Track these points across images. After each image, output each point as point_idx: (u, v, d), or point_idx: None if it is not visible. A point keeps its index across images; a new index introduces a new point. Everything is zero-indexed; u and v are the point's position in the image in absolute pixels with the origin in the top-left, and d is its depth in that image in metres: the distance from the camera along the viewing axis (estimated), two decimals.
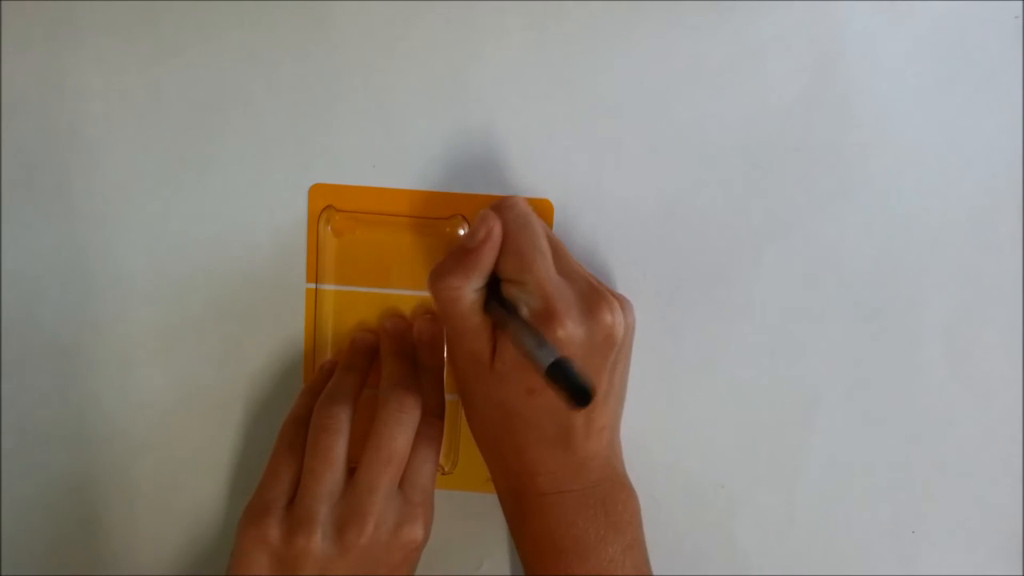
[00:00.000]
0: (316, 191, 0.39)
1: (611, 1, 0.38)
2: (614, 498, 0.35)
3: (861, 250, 0.39)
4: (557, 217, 0.39)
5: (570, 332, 0.32)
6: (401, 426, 0.34)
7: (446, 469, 0.40)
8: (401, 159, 0.39)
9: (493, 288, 0.34)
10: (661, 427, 0.39)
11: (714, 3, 0.38)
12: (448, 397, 0.39)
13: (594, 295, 0.33)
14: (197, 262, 0.39)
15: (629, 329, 0.35)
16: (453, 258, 0.34)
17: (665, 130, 0.38)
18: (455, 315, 0.34)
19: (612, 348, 0.34)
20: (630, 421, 0.38)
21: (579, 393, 0.28)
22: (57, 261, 0.39)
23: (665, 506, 0.40)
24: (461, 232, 0.39)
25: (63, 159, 0.39)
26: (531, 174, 0.39)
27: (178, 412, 0.40)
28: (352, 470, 0.34)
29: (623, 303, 0.35)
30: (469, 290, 0.33)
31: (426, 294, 0.39)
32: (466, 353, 0.34)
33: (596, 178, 0.39)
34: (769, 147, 0.38)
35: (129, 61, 0.39)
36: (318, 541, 0.33)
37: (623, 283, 0.39)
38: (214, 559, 0.41)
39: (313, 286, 0.39)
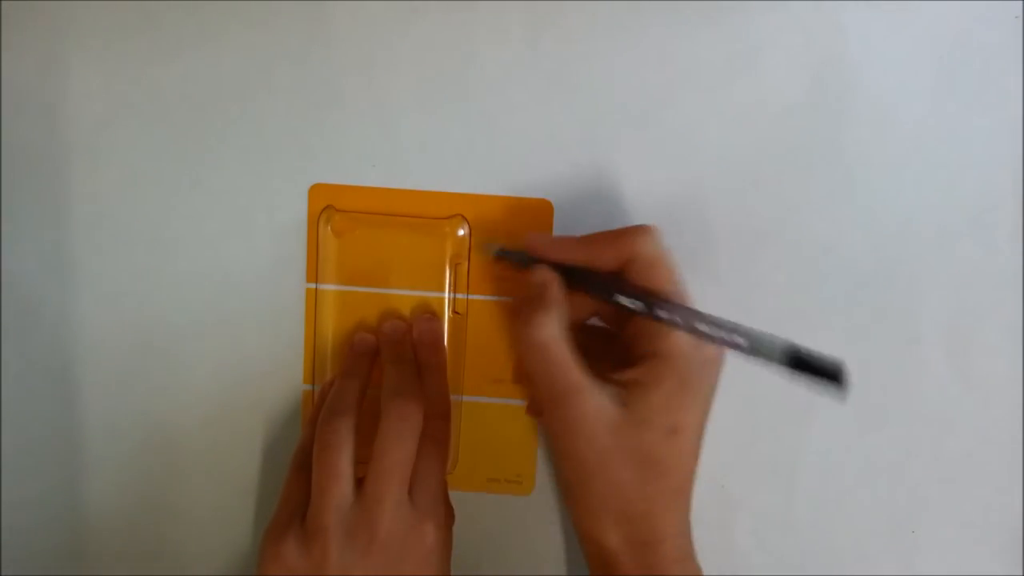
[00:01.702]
0: (316, 191, 0.39)
1: (611, 1, 0.38)
2: (689, 563, 0.35)
3: (861, 250, 0.39)
4: (557, 217, 0.39)
5: (720, 361, 0.33)
6: (402, 437, 0.35)
7: (447, 469, 0.40)
8: (401, 159, 0.39)
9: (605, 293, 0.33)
10: None
11: (714, 3, 0.38)
12: (451, 397, 0.39)
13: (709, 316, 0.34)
14: (197, 262, 0.39)
15: None
16: (528, 301, 0.33)
17: (665, 130, 0.38)
18: (557, 365, 0.32)
19: (721, 370, 0.34)
20: None
21: (833, 370, 0.26)
22: (57, 261, 0.39)
23: None
24: (460, 232, 0.39)
25: (63, 159, 0.39)
26: (531, 174, 0.39)
27: (178, 412, 0.40)
28: (361, 480, 0.35)
29: None
30: (558, 326, 0.32)
31: (426, 294, 0.39)
32: (584, 415, 0.32)
33: (596, 178, 0.39)
34: (769, 147, 0.38)
35: (129, 61, 0.39)
36: (333, 551, 0.33)
37: None
38: (214, 559, 0.41)
39: (313, 286, 0.39)
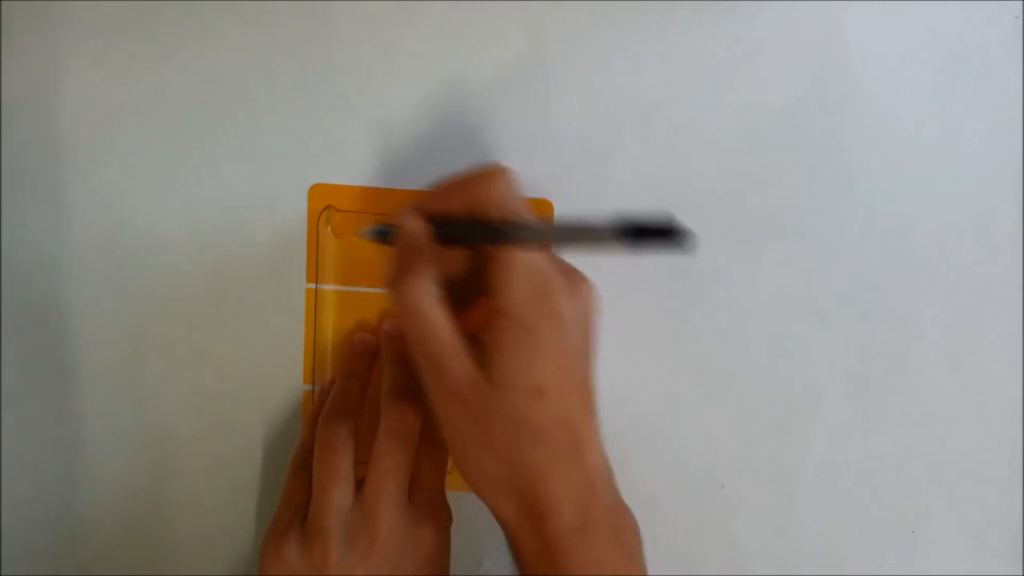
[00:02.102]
0: (316, 191, 0.39)
1: (611, 1, 0.38)
2: (623, 525, 0.33)
3: (861, 250, 0.39)
4: (557, 217, 0.39)
5: (567, 314, 0.30)
6: (401, 439, 0.35)
7: (447, 469, 0.40)
8: (401, 159, 0.39)
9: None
10: (661, 427, 0.39)
11: (714, 3, 0.38)
12: None
13: (571, 271, 0.32)
14: (197, 262, 0.39)
15: (599, 317, 0.33)
16: (398, 263, 0.32)
17: (665, 130, 0.38)
18: (429, 326, 0.31)
19: (590, 329, 0.32)
20: (630, 421, 0.38)
21: (669, 229, 0.24)
22: (57, 261, 0.39)
23: (665, 506, 0.40)
24: None
25: (63, 159, 0.39)
26: (531, 174, 0.39)
27: (177, 412, 0.40)
28: (361, 482, 0.35)
29: (594, 287, 0.33)
30: (431, 286, 0.31)
31: None
32: (451, 376, 0.31)
33: (596, 178, 0.39)
34: (769, 147, 0.38)
35: (129, 61, 0.39)
36: (333, 552, 0.33)
37: (623, 283, 0.39)
38: (214, 559, 0.41)
39: (313, 286, 0.39)
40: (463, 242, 0.33)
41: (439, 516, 0.36)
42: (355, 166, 0.39)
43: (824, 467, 0.40)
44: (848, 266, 0.39)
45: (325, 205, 0.39)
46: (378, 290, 0.39)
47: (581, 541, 0.31)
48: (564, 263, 0.33)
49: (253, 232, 0.39)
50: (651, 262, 0.39)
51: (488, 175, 0.32)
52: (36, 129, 0.39)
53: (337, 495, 0.34)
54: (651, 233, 0.25)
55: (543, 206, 0.39)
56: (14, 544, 0.41)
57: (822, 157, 0.38)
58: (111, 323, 0.40)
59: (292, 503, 0.36)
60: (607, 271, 0.39)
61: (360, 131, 0.39)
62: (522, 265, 0.30)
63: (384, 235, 0.35)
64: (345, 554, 0.33)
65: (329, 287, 0.39)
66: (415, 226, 0.32)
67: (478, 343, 0.31)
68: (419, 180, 0.39)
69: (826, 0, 0.38)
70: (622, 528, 0.32)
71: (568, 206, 0.39)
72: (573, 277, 0.32)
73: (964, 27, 0.38)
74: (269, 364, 0.40)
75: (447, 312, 0.31)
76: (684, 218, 0.38)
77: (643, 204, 0.39)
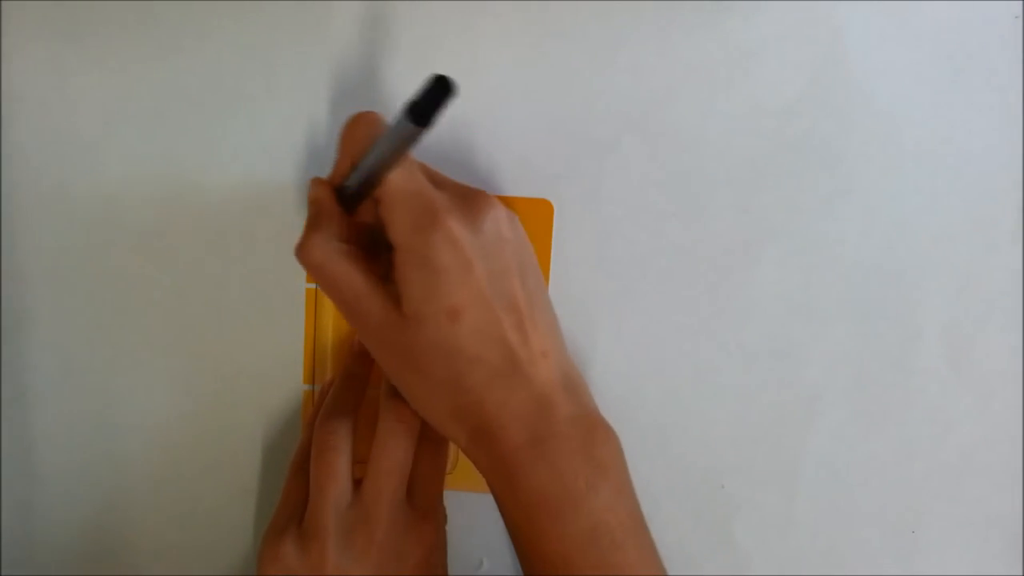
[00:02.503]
0: None
1: (611, 1, 0.38)
2: (593, 438, 0.32)
3: (861, 250, 0.39)
4: (557, 217, 0.39)
5: (457, 229, 0.30)
6: (399, 438, 0.35)
7: (447, 469, 0.40)
8: None
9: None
10: (661, 427, 0.39)
11: (714, 3, 0.38)
12: None
13: (467, 191, 0.32)
14: (197, 261, 0.39)
15: (523, 240, 0.33)
16: (305, 225, 0.33)
17: (665, 130, 0.38)
18: (337, 279, 0.31)
19: (506, 248, 0.32)
20: (630, 421, 0.38)
21: (438, 87, 0.26)
22: (57, 260, 0.39)
23: (665, 506, 0.40)
24: None
25: (63, 159, 0.39)
26: (531, 174, 0.39)
27: (177, 413, 0.40)
28: (359, 481, 0.35)
29: (510, 207, 0.33)
30: (332, 241, 0.32)
31: None
32: (374, 322, 0.31)
33: (596, 178, 0.39)
34: (769, 147, 0.38)
35: (129, 61, 0.39)
36: (331, 552, 0.33)
37: (623, 283, 0.39)
38: (214, 559, 0.41)
39: (313, 286, 0.39)
40: (357, 199, 0.33)
41: (437, 515, 0.36)
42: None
43: (824, 467, 0.40)
44: (848, 266, 0.39)
45: None
46: None
47: (535, 456, 0.31)
48: (462, 188, 0.33)
49: (253, 231, 0.39)
50: (653, 263, 0.39)
51: (346, 126, 0.33)
52: (36, 129, 0.39)
53: (334, 495, 0.34)
54: (431, 100, 0.26)
55: (543, 206, 0.39)
56: (14, 544, 0.41)
57: (822, 157, 0.38)
58: (111, 323, 0.40)
59: (290, 503, 0.36)
60: (608, 271, 0.39)
61: None
62: (399, 196, 0.31)
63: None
64: (342, 554, 0.33)
65: None
66: (316, 192, 0.33)
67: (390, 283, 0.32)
68: None
69: (826, 0, 0.38)
70: (589, 440, 0.32)
71: (568, 206, 0.39)
72: (471, 199, 0.32)
73: (964, 27, 0.38)
74: (269, 364, 0.40)
75: (353, 262, 0.32)
76: (684, 218, 0.39)
77: (643, 204, 0.39)
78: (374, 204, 0.32)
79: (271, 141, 0.39)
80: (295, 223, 0.39)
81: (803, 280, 0.39)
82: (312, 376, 0.40)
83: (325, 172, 0.39)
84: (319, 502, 0.34)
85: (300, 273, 0.39)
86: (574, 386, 0.33)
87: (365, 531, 0.34)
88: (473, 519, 0.40)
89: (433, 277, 0.30)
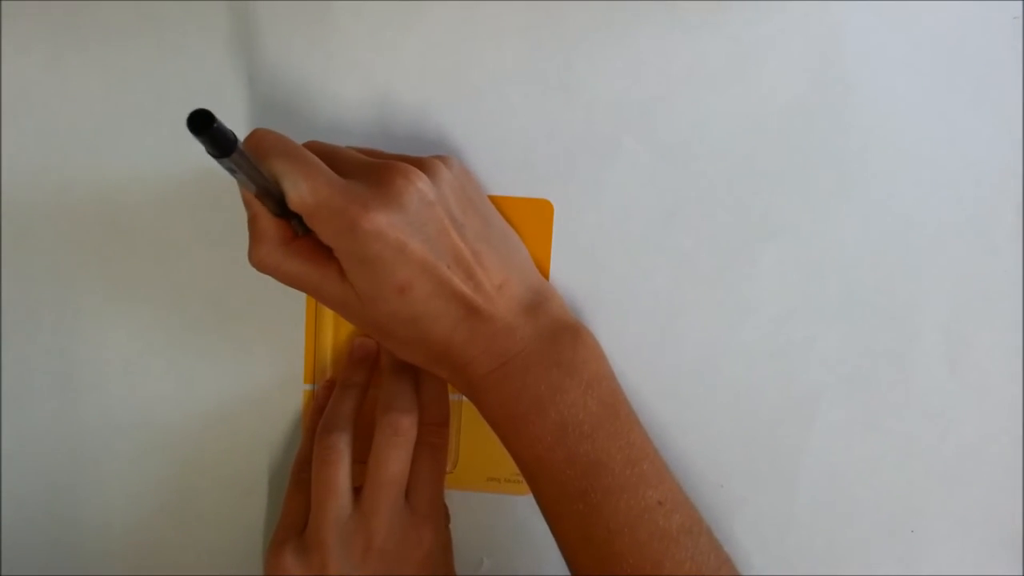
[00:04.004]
0: None
1: (611, 1, 0.38)
2: (559, 344, 0.34)
3: (861, 250, 0.39)
4: (557, 217, 0.39)
5: (377, 220, 0.30)
6: (396, 449, 0.35)
7: (447, 469, 0.40)
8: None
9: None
10: (661, 427, 0.39)
11: (714, 3, 0.38)
12: (452, 397, 0.39)
13: (379, 170, 0.32)
14: (198, 262, 0.39)
15: (453, 181, 0.34)
16: (249, 236, 0.34)
17: (665, 130, 0.38)
18: (295, 279, 0.33)
19: (434, 210, 0.32)
20: None
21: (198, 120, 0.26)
22: (57, 261, 0.39)
23: None
24: None
25: (63, 159, 0.39)
26: (531, 174, 0.39)
27: (178, 413, 0.40)
28: (358, 489, 0.36)
29: (429, 162, 0.33)
30: (276, 247, 0.33)
31: None
32: (340, 304, 0.33)
33: (596, 178, 0.39)
34: (769, 147, 0.38)
35: (130, 61, 0.39)
36: (332, 561, 0.34)
37: (623, 283, 0.39)
38: (215, 558, 0.41)
39: None
40: (278, 212, 0.33)
41: (437, 517, 0.36)
42: None
43: (824, 467, 0.40)
44: (848, 266, 0.39)
45: None
46: None
47: (500, 377, 0.34)
48: (371, 165, 0.33)
49: None
50: (653, 263, 0.39)
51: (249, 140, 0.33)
52: (36, 129, 0.39)
53: (334, 508, 0.35)
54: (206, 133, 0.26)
55: (543, 206, 0.39)
56: (14, 544, 0.41)
57: (822, 157, 0.38)
58: (111, 324, 0.40)
59: (292, 515, 0.36)
60: (608, 271, 0.39)
61: (360, 131, 0.39)
62: (308, 210, 0.31)
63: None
64: (343, 563, 0.34)
65: None
66: (246, 202, 0.34)
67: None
68: None
69: (826, 0, 0.38)
70: (554, 347, 0.34)
71: (568, 206, 0.39)
72: (382, 177, 0.32)
73: (964, 27, 0.38)
74: (270, 364, 0.40)
75: (300, 257, 0.33)
76: (684, 218, 0.39)
77: (643, 204, 0.39)
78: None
79: None
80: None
81: (803, 280, 0.39)
82: (313, 376, 0.40)
83: None
84: (320, 515, 0.35)
85: None
86: (538, 303, 0.35)
87: (364, 540, 0.34)
88: (473, 519, 0.40)
89: (370, 267, 0.32)
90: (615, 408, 0.34)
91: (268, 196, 0.32)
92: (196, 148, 0.39)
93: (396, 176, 0.31)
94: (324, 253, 0.33)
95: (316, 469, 0.35)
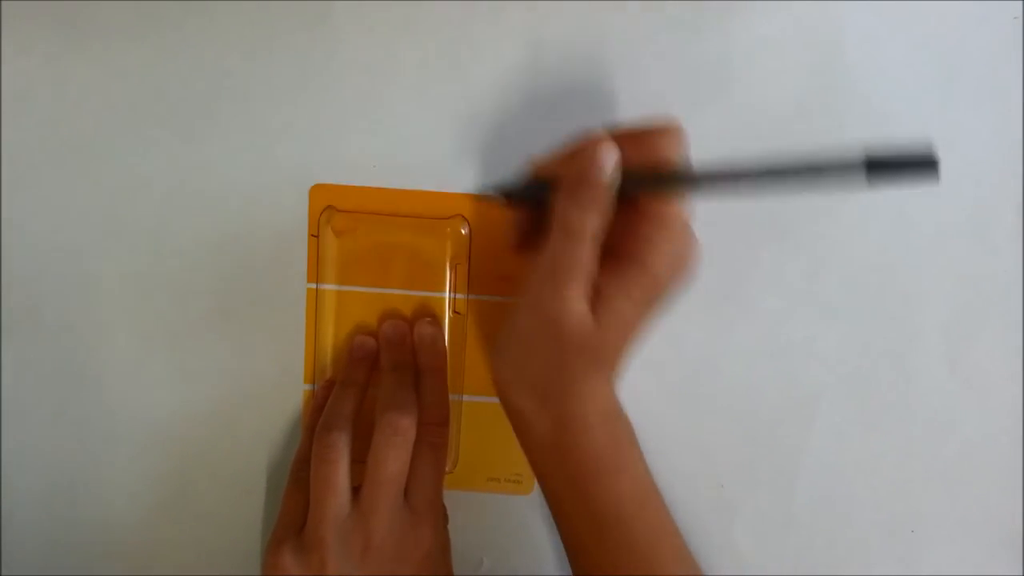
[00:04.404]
0: (316, 191, 0.39)
1: (611, 1, 0.38)
2: (623, 412, 0.34)
3: (861, 250, 0.39)
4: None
5: (692, 271, 0.32)
6: (395, 449, 0.35)
7: (447, 469, 0.40)
8: (401, 159, 0.39)
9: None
10: (661, 427, 0.39)
11: (714, 3, 0.38)
12: (451, 397, 0.39)
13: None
14: (198, 262, 0.39)
15: None
16: (586, 189, 0.31)
17: None
18: (576, 257, 0.31)
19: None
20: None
21: (920, 157, 0.23)
22: (58, 261, 0.39)
23: None
24: (463, 231, 0.39)
25: (63, 159, 0.39)
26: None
27: (179, 412, 0.40)
28: (357, 488, 0.35)
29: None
30: (600, 230, 0.31)
31: (426, 294, 0.39)
32: (561, 304, 0.31)
33: None
34: (769, 147, 0.38)
35: (130, 61, 0.39)
36: (330, 560, 0.34)
37: None
38: (216, 558, 0.41)
39: (314, 286, 0.39)
40: (630, 191, 0.31)
41: (436, 516, 0.36)
42: (355, 166, 0.39)
43: (824, 467, 0.40)
44: (848, 266, 0.39)
45: (325, 205, 0.39)
46: (378, 290, 0.39)
47: (603, 421, 0.33)
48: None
49: (254, 232, 0.39)
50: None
51: (666, 131, 0.32)
52: (36, 129, 0.39)
53: (333, 507, 0.35)
54: (900, 166, 0.24)
55: None
56: (14, 544, 0.41)
57: None
58: (112, 324, 0.40)
59: (290, 513, 0.36)
60: None
61: (360, 131, 0.39)
62: (681, 228, 0.32)
63: (524, 194, 0.34)
64: (342, 562, 0.34)
65: (329, 287, 0.39)
66: (613, 168, 0.31)
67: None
68: (419, 180, 0.39)
69: (826, 0, 0.38)
70: (622, 414, 0.34)
71: None
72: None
73: (964, 27, 0.38)
74: (269, 364, 0.40)
75: (595, 245, 0.31)
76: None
77: None
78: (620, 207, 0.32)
79: (272, 141, 0.39)
80: (296, 223, 0.39)
81: (803, 280, 0.39)
82: (312, 376, 0.40)
83: (323, 172, 0.39)
84: (319, 514, 0.35)
85: (301, 273, 0.39)
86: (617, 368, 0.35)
87: (363, 539, 0.34)
88: (473, 519, 0.40)
89: (652, 309, 0.32)
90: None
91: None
92: (196, 148, 0.39)
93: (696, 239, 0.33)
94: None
95: (315, 467, 0.35)
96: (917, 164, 0.24)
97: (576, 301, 0.31)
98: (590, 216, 0.31)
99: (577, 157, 0.32)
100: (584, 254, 0.31)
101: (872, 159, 0.24)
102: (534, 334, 0.32)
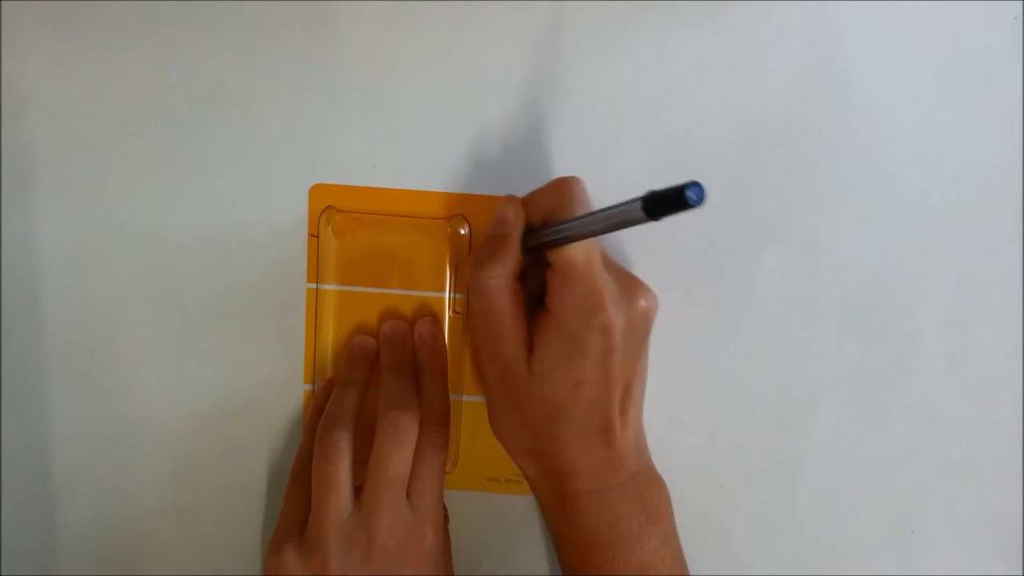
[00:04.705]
0: (316, 191, 0.39)
1: (611, 1, 0.38)
2: (650, 490, 0.36)
3: (861, 250, 0.39)
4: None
5: (613, 322, 0.33)
6: (398, 448, 0.35)
7: (447, 469, 0.40)
8: (401, 159, 0.39)
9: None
10: (661, 427, 0.39)
11: (714, 3, 0.38)
12: (451, 397, 0.39)
13: (629, 281, 0.34)
14: (198, 262, 0.39)
15: (652, 320, 0.36)
16: (488, 247, 0.34)
17: (665, 130, 0.38)
18: (494, 311, 0.34)
19: (646, 334, 0.35)
20: None
21: (681, 194, 0.25)
22: (58, 262, 0.39)
23: None
24: (463, 231, 0.39)
25: (63, 160, 0.39)
26: (531, 174, 0.39)
27: (179, 412, 0.40)
28: (359, 488, 0.36)
29: (653, 295, 0.35)
30: (508, 278, 0.34)
31: (427, 294, 0.39)
32: (501, 357, 0.34)
33: (596, 178, 0.39)
34: (769, 147, 0.38)
35: (129, 61, 0.39)
36: (332, 559, 0.34)
37: None
38: (216, 558, 0.41)
39: (314, 286, 0.39)
40: (533, 249, 0.34)
41: (437, 516, 0.36)
42: (355, 166, 0.39)
43: (824, 467, 0.40)
44: (848, 266, 0.39)
45: (326, 205, 0.39)
46: (378, 290, 0.39)
47: (596, 501, 0.35)
48: (624, 272, 0.35)
49: (254, 232, 0.39)
50: (653, 263, 0.39)
51: (554, 184, 0.35)
52: (36, 130, 0.39)
53: (335, 506, 0.35)
54: (671, 202, 0.26)
55: None
56: (14, 544, 0.41)
57: (822, 157, 0.38)
58: (112, 323, 0.40)
59: (292, 513, 0.36)
60: None
61: (360, 131, 0.39)
62: (575, 273, 0.33)
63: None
64: (343, 561, 0.34)
65: (330, 287, 0.39)
66: (512, 221, 0.34)
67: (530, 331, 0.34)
68: (419, 180, 0.39)
69: (826, 0, 0.38)
70: (646, 492, 0.35)
71: None
72: (632, 288, 0.34)
73: (964, 27, 0.38)
74: (270, 364, 0.40)
75: (516, 303, 0.34)
76: (684, 218, 0.39)
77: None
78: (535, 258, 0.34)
79: (272, 141, 0.39)
80: (296, 223, 0.39)
81: (803, 280, 0.39)
82: (313, 376, 0.40)
83: (323, 172, 0.39)
84: (320, 513, 0.35)
85: (301, 273, 0.39)
86: (641, 444, 0.37)
87: (365, 539, 0.34)
88: (473, 519, 0.40)
89: (576, 356, 0.33)
90: (683, 567, 0.36)
91: (550, 243, 0.33)
92: (196, 148, 0.39)
93: (640, 290, 0.34)
94: (527, 314, 0.34)
95: (317, 467, 0.35)
96: (680, 199, 0.26)
97: (511, 346, 0.34)
98: (494, 269, 0.33)
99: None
100: (500, 304, 0.34)
101: (649, 199, 0.27)
102: (496, 386, 0.36)
